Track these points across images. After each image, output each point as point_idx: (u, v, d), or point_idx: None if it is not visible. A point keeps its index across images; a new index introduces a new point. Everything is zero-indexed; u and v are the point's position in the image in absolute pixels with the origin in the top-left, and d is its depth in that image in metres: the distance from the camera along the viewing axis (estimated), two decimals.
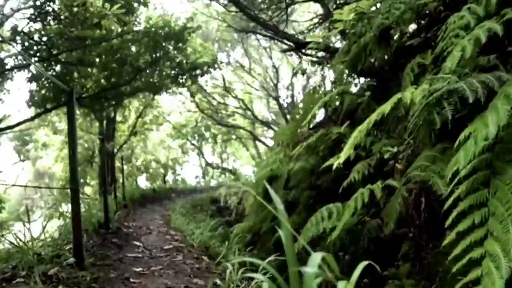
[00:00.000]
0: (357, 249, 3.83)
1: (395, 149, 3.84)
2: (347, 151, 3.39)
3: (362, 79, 5.74)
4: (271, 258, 2.52)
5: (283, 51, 9.32)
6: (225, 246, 4.48)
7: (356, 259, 3.69)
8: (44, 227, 2.99)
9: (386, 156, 3.82)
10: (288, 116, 20.11)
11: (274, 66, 21.04)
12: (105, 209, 4.79)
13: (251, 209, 6.78)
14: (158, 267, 3.19)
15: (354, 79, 5.76)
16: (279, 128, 9.80)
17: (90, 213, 4.82)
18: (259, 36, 19.48)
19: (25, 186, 4.94)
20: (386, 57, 4.71)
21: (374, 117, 3.14)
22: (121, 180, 10.49)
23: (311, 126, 6.67)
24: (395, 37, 4.75)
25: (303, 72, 12.63)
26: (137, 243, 4.29)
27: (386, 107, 3.06)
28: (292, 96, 21.21)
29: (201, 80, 19.00)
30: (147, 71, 11.33)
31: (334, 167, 3.54)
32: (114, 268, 2.97)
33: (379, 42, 4.50)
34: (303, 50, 7.95)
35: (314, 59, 8.07)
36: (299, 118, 6.52)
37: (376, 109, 4.66)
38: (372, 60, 5.33)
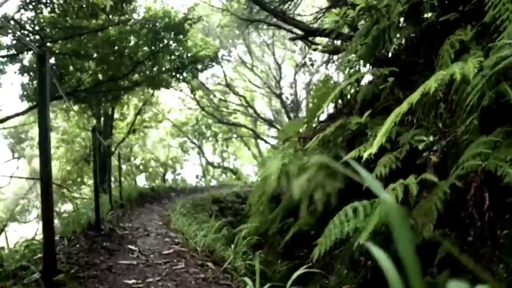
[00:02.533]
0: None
1: (431, 139, 3.33)
2: (380, 139, 2.87)
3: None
4: (301, 271, 1.98)
5: (292, 39, 8.84)
6: (231, 250, 3.97)
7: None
8: (2, 230, 2.42)
9: (420, 147, 3.30)
10: (291, 114, 19.60)
11: (277, 63, 20.53)
12: (96, 208, 4.25)
13: (256, 209, 6.31)
14: (156, 278, 2.64)
15: (370, 66, 5.28)
16: (285, 124, 9.32)
17: (79, 213, 4.30)
18: (261, 33, 18.96)
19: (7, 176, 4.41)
20: (413, 35, 4.18)
21: (415, 97, 2.62)
22: (118, 179, 9.99)
23: (320, 120, 6.18)
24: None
25: (312, 63, 12.17)
26: (132, 247, 3.76)
27: (430, 84, 2.54)
28: (295, 94, 20.68)
29: (202, 77, 18.50)
30: (146, 64, 10.84)
31: (364, 158, 3.02)
32: (100, 280, 2.42)
33: (407, 18, 3.98)
34: (312, 39, 7.46)
35: (323, 49, 7.55)
36: (310, 109, 6.01)
37: (401, 96, 4.14)
38: (384, 52, 4.87)
